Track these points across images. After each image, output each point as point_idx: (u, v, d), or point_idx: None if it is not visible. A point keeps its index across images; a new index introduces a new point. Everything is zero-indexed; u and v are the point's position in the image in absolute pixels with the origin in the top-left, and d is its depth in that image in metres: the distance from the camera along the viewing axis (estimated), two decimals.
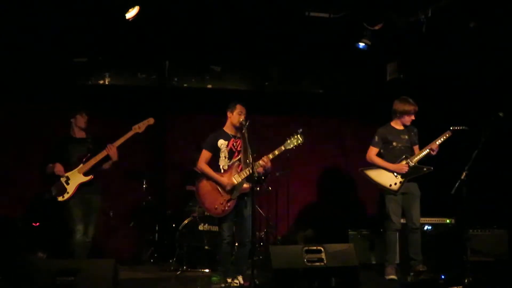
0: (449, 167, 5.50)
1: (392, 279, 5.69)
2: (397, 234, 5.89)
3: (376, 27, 5.88)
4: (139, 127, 5.58)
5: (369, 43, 6.05)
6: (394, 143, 5.84)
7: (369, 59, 6.72)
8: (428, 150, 5.72)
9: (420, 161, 5.76)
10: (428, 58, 6.80)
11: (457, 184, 4.99)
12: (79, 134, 5.74)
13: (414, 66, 7.03)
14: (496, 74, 6.49)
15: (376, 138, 5.91)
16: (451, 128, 5.69)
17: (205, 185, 5.37)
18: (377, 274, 6.01)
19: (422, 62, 6.93)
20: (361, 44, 6.08)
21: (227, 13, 5.85)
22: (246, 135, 5.21)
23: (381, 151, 5.91)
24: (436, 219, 6.49)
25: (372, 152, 5.90)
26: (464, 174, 5.01)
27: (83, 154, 5.58)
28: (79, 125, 5.68)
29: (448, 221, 6.53)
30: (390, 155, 5.84)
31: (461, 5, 5.50)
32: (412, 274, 5.67)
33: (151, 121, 5.61)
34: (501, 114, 5.22)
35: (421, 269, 5.61)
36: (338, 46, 6.61)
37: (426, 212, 5.94)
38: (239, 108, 5.43)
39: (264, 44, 6.61)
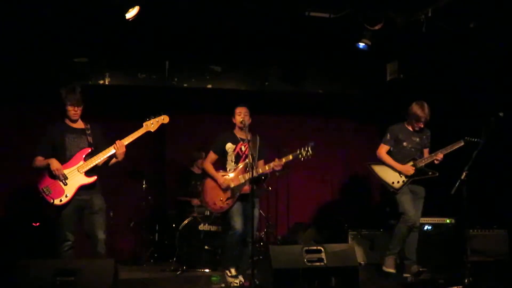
0: (449, 167, 5.50)
1: (390, 272, 5.64)
2: (409, 231, 5.62)
3: (376, 27, 5.87)
4: (152, 125, 4.93)
5: (369, 43, 6.04)
6: (405, 143, 5.80)
7: (369, 59, 6.72)
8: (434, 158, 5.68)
9: (427, 165, 5.72)
10: (428, 58, 6.80)
11: (457, 184, 4.99)
12: (76, 123, 4.92)
13: (414, 66, 7.03)
14: (496, 74, 6.49)
15: (388, 135, 5.87)
16: (466, 138, 5.59)
17: (209, 182, 5.51)
18: (377, 274, 6.01)
19: (422, 62, 6.93)
20: (361, 44, 6.07)
21: (227, 13, 5.85)
22: (248, 136, 5.23)
23: (391, 149, 5.87)
24: (436, 219, 6.49)
25: (383, 150, 5.86)
26: (464, 174, 5.00)
27: (83, 149, 4.81)
28: (71, 118, 4.86)
29: (448, 221, 6.52)
30: (399, 154, 5.80)
31: (461, 5, 5.50)
32: (409, 274, 5.64)
33: (166, 119, 5.00)
34: (501, 114, 5.21)
35: (417, 270, 5.59)
36: (338, 46, 6.60)
37: (426, 212, 5.92)
38: (237, 110, 5.49)
39: (264, 44, 6.61)
